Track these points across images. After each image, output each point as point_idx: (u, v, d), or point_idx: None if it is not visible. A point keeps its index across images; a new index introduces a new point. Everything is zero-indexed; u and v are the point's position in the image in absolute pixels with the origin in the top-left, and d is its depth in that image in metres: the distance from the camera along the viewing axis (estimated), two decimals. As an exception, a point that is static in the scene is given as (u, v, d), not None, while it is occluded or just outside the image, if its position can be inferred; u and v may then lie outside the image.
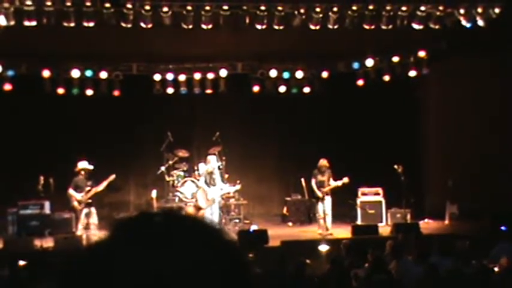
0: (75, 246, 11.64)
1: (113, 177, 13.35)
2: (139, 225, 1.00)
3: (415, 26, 13.44)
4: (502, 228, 11.85)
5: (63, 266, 0.99)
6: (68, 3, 12.27)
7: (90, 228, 13.17)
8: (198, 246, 0.96)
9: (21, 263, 8.80)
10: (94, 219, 13.21)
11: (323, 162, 14.07)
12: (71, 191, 13.23)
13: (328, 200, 13.99)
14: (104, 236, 1.00)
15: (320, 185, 14.03)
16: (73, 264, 0.99)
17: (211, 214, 13.37)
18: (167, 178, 15.72)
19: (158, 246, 0.94)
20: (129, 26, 12.77)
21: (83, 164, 13.34)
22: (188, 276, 0.93)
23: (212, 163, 13.79)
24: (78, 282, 0.96)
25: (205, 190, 13.63)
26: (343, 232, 13.75)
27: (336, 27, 13.26)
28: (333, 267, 8.69)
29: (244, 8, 12.98)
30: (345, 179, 13.78)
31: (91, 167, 13.38)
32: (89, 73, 16.04)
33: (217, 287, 0.95)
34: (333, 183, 13.92)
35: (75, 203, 13.24)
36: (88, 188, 13.23)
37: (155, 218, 1.01)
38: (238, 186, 14.73)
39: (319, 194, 13.97)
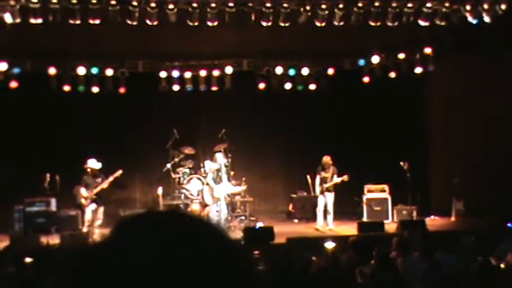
0: (81, 243, 11.66)
1: (119, 172, 13.39)
2: (144, 224, 1.01)
3: (421, 23, 13.41)
4: (508, 224, 11.81)
5: (70, 263, 1.00)
6: (74, 1, 12.29)
7: (96, 225, 13.23)
8: (202, 245, 0.97)
9: (28, 260, 8.81)
10: (100, 216, 13.24)
11: (326, 159, 14.21)
12: (82, 190, 13.30)
13: (330, 196, 14.04)
14: (109, 234, 1.01)
15: (324, 181, 14.19)
16: (79, 261, 0.99)
17: (218, 211, 13.38)
18: (173, 175, 15.74)
19: (162, 244, 0.95)
20: (135, 23, 12.79)
21: (92, 162, 13.39)
22: (191, 274, 0.94)
23: (219, 160, 13.81)
24: (84, 279, 0.97)
25: (212, 187, 13.65)
26: (349, 229, 13.75)
27: (341, 24, 13.24)
28: (331, 265, 8.68)
29: (250, 5, 12.97)
30: (345, 177, 13.93)
31: (99, 165, 13.43)
32: (94, 70, 16.06)
33: (220, 285, 0.96)
34: (334, 180, 14.01)
35: (82, 200, 13.29)
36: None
37: (160, 216, 1.01)
38: (243, 187, 14.81)
39: (319, 187, 14.11)
